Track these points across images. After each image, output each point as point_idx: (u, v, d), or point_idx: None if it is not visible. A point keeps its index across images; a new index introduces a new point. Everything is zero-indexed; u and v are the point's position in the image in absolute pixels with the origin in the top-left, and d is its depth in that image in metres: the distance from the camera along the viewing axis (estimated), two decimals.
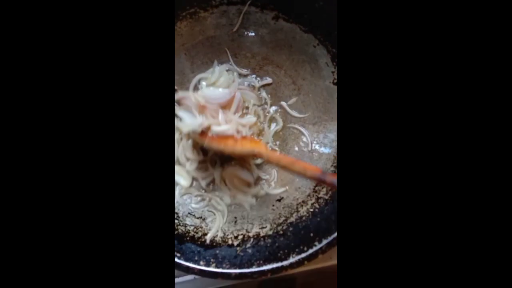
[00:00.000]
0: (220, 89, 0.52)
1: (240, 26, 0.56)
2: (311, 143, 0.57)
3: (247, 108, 0.57)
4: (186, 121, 0.47)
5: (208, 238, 0.51)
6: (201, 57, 0.58)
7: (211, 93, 0.51)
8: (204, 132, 0.47)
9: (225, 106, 0.51)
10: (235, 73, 0.58)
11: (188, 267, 0.46)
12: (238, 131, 0.47)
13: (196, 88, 0.57)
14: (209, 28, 0.56)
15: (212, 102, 0.49)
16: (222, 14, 0.55)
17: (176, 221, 0.53)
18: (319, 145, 0.57)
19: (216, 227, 0.53)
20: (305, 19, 0.52)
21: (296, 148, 0.58)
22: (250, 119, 0.53)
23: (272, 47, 0.57)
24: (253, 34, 0.56)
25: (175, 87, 0.56)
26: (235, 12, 0.55)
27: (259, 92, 0.58)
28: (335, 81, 0.54)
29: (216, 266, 0.46)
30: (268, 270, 0.45)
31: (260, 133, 0.58)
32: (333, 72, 0.54)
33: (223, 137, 0.47)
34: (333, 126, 0.56)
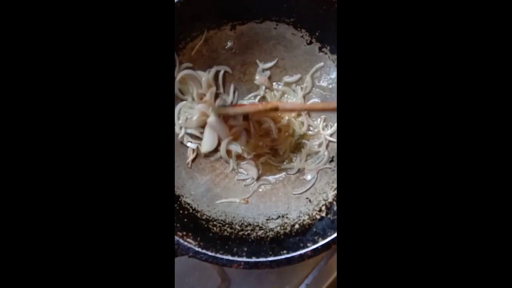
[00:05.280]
0: None
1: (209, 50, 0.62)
2: None
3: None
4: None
5: None
6: None
7: None
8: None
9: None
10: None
11: (301, 254, 0.47)
12: None
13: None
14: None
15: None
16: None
17: (262, 231, 0.54)
18: None
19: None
20: (256, 12, 0.59)
21: None
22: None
23: (243, 51, 0.63)
24: (223, 51, 0.62)
25: None
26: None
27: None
28: (308, 40, 0.60)
29: (327, 237, 0.47)
30: None
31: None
32: (302, 37, 0.60)
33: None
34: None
